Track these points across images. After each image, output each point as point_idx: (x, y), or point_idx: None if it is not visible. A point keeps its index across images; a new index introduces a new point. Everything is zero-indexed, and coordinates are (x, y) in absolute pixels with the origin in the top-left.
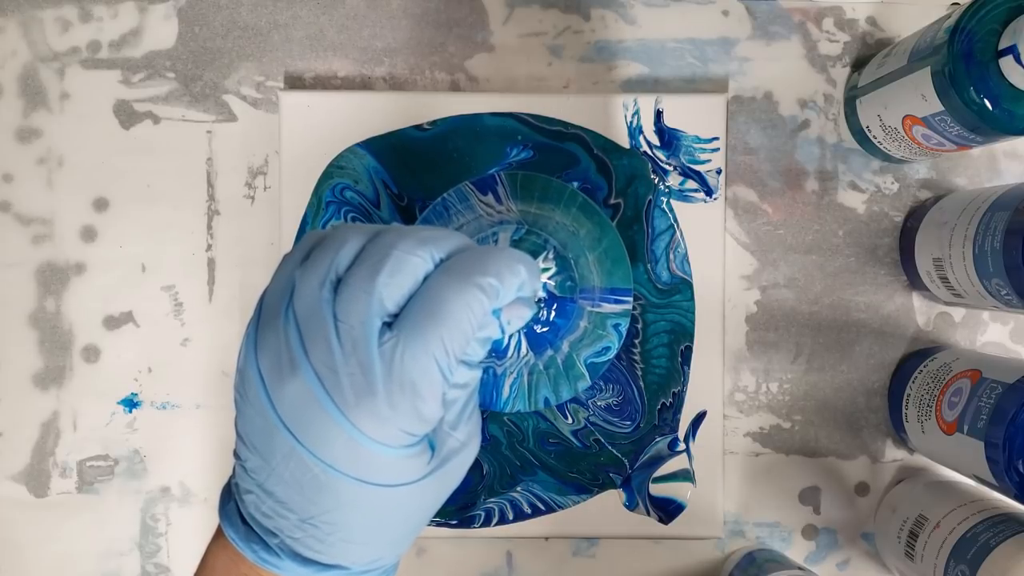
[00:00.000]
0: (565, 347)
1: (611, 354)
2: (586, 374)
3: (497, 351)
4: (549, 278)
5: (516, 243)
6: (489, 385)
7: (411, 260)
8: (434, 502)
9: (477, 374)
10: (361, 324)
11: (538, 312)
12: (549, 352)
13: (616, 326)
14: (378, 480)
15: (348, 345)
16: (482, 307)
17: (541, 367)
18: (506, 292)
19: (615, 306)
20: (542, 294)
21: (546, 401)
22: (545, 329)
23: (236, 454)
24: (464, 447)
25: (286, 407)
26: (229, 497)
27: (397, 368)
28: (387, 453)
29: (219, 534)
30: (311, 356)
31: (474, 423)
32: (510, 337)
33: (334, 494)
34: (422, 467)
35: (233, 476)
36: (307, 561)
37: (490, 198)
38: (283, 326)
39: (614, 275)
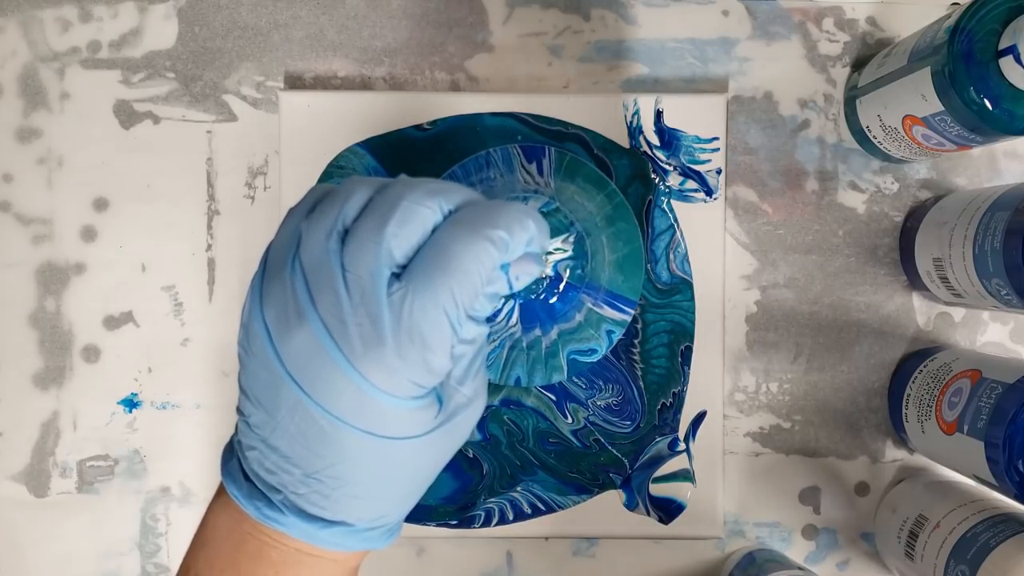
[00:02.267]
0: (554, 333)
1: (595, 357)
2: (564, 368)
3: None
4: (562, 259)
5: (543, 216)
6: None
7: (420, 211)
8: (440, 459)
9: (484, 330)
10: (369, 274)
11: (544, 282)
12: (537, 332)
13: (609, 332)
14: (385, 432)
15: (356, 295)
16: (491, 260)
17: (524, 345)
18: (515, 246)
19: (615, 313)
20: (550, 272)
21: (517, 380)
22: (553, 299)
23: (239, 410)
24: (471, 403)
25: (293, 358)
26: (231, 454)
27: (406, 318)
28: (395, 404)
29: (220, 493)
30: (319, 306)
31: (481, 380)
32: (505, 302)
33: (340, 447)
34: (429, 421)
35: (236, 433)
36: (311, 517)
37: (533, 167)
38: (289, 277)
39: (625, 283)
